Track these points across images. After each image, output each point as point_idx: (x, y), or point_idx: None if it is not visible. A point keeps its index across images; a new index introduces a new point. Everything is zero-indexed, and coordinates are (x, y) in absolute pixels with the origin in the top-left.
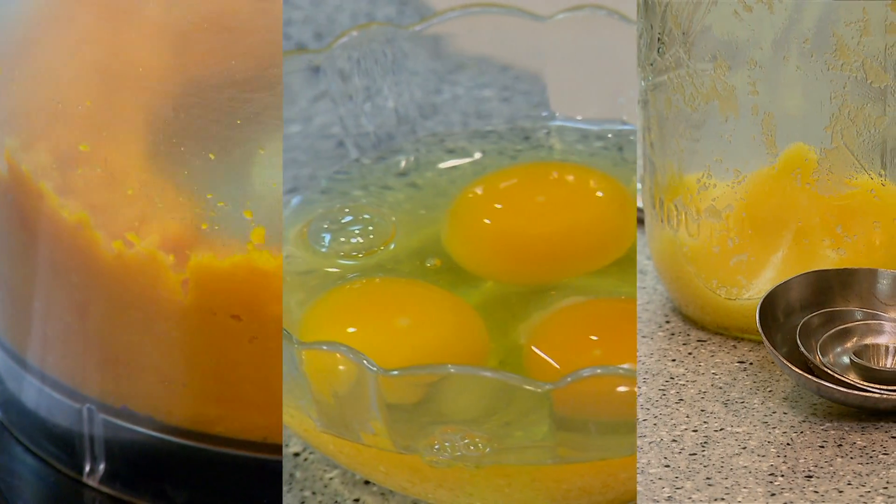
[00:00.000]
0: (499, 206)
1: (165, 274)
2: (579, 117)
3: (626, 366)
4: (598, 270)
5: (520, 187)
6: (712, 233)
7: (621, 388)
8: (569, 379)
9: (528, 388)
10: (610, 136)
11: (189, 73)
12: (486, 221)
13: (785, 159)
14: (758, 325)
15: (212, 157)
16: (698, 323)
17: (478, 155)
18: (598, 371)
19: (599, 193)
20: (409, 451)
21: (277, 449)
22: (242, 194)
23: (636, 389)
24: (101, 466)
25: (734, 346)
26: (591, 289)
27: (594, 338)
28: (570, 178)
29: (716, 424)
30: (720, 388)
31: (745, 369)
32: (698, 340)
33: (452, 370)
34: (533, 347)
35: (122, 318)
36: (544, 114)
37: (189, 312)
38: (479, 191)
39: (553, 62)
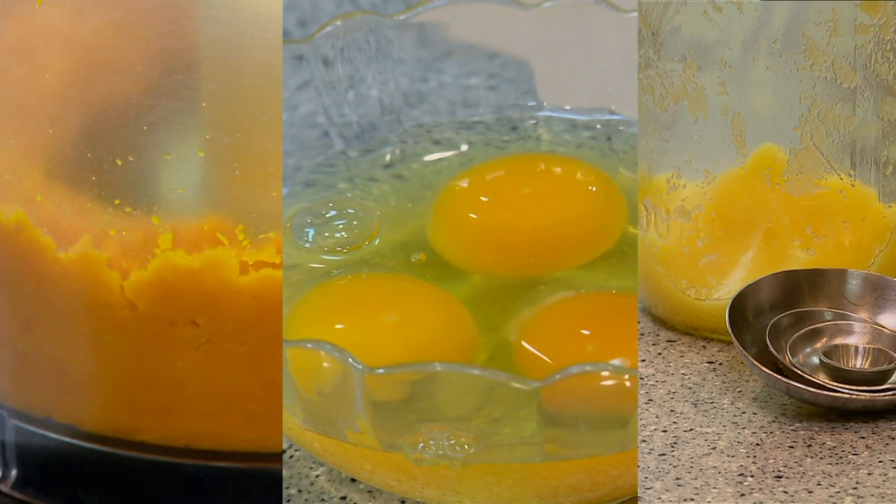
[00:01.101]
0: (484, 199)
1: (100, 281)
2: (567, 107)
3: (615, 362)
4: (586, 264)
5: (506, 180)
6: (682, 233)
7: (609, 383)
8: (557, 376)
9: (516, 385)
10: (598, 126)
11: (95, 79)
12: (472, 215)
13: (754, 160)
14: (727, 325)
15: (118, 163)
16: (668, 323)
17: (465, 146)
18: (588, 368)
19: (587, 186)
20: (394, 449)
21: (197, 454)
22: (149, 200)
23: (633, 382)
24: (13, 472)
25: (704, 347)
26: (579, 282)
27: (586, 332)
28: (557, 170)
29: (685, 425)
30: (690, 388)
31: (714, 370)
32: (668, 341)
33: (439, 368)
34: (524, 343)
35: (57, 325)
36: (532, 103)
37: (141, 322)
38: (464, 184)
39: (540, 50)
